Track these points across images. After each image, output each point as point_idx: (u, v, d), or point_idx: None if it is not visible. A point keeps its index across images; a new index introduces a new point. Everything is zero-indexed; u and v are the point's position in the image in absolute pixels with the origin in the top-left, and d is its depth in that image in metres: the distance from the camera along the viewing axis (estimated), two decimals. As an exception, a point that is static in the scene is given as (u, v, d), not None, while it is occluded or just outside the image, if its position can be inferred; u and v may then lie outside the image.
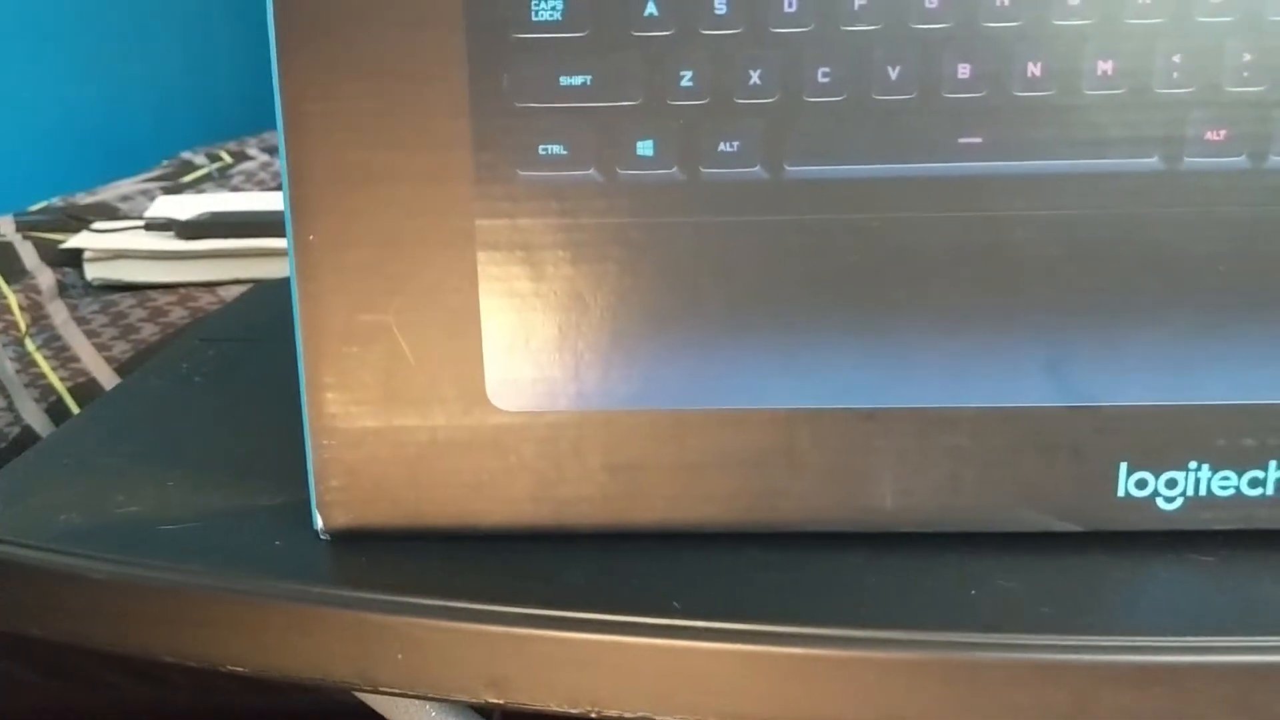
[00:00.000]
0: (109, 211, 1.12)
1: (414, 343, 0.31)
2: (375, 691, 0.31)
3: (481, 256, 0.31)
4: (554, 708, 0.29)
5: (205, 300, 0.85)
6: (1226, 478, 0.32)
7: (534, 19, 0.30)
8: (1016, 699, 0.28)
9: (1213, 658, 0.28)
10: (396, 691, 0.30)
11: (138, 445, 0.41)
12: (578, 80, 0.30)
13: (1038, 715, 0.28)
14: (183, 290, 0.87)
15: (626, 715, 0.29)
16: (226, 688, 0.92)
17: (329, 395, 0.32)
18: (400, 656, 0.30)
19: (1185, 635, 0.28)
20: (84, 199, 1.21)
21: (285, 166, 0.31)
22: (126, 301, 0.86)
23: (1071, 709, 0.28)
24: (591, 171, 0.30)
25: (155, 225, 0.96)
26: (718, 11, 0.29)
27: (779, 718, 0.28)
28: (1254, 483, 0.32)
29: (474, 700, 0.30)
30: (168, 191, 1.20)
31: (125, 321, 0.84)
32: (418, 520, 0.33)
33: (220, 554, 0.33)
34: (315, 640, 0.31)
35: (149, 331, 0.82)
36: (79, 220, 1.06)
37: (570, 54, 0.30)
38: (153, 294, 0.87)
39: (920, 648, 0.28)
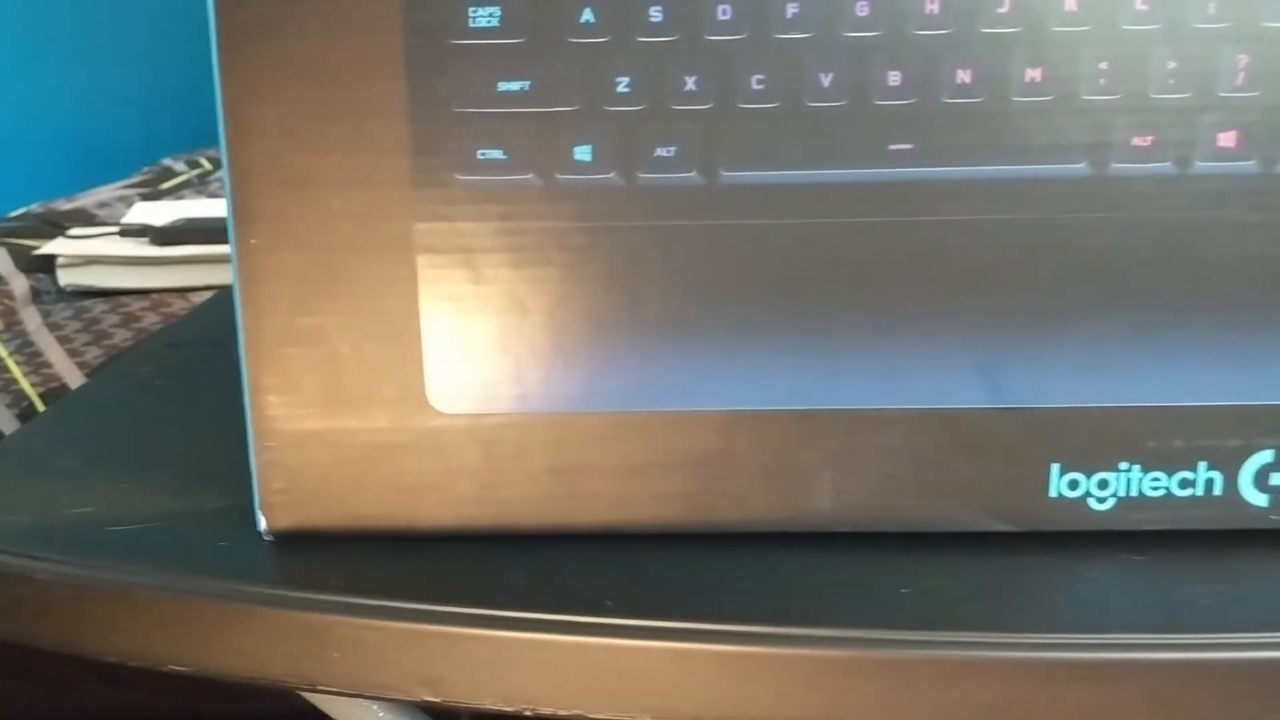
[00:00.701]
0: (86, 218, 1.12)
1: (354, 346, 0.32)
2: (313, 690, 0.31)
3: (421, 260, 0.31)
4: (489, 706, 0.30)
5: (178, 306, 0.85)
6: (1157, 479, 0.32)
7: (471, 26, 0.30)
8: (944, 696, 0.28)
9: (1136, 655, 0.28)
10: (334, 690, 0.31)
11: (94, 448, 0.41)
12: (515, 86, 0.30)
13: (965, 712, 0.28)
14: (155, 296, 0.87)
15: (560, 713, 0.29)
16: (194, 691, 0.92)
17: (271, 398, 0.32)
18: (337, 656, 0.30)
19: (1110, 633, 0.28)
20: (63, 205, 1.21)
21: (227, 171, 0.31)
22: (99, 307, 0.87)
23: (998, 705, 0.28)
24: (530, 176, 0.31)
25: (130, 231, 0.96)
26: (653, 19, 0.30)
27: (711, 715, 0.29)
28: (1184, 483, 0.32)
29: (410, 699, 0.30)
30: (146, 198, 1.20)
31: (98, 327, 0.84)
32: (360, 522, 0.33)
33: (165, 555, 0.33)
34: (254, 639, 0.31)
35: (121, 337, 0.82)
36: (55, 226, 1.06)
37: (508, 60, 0.30)
38: (126, 300, 0.87)
39: (849, 645, 0.28)
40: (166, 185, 1.30)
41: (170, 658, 0.32)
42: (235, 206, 0.31)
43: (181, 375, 0.47)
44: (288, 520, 0.33)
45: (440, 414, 0.32)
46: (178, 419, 0.43)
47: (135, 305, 0.86)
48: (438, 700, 0.30)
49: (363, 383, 0.32)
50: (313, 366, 0.32)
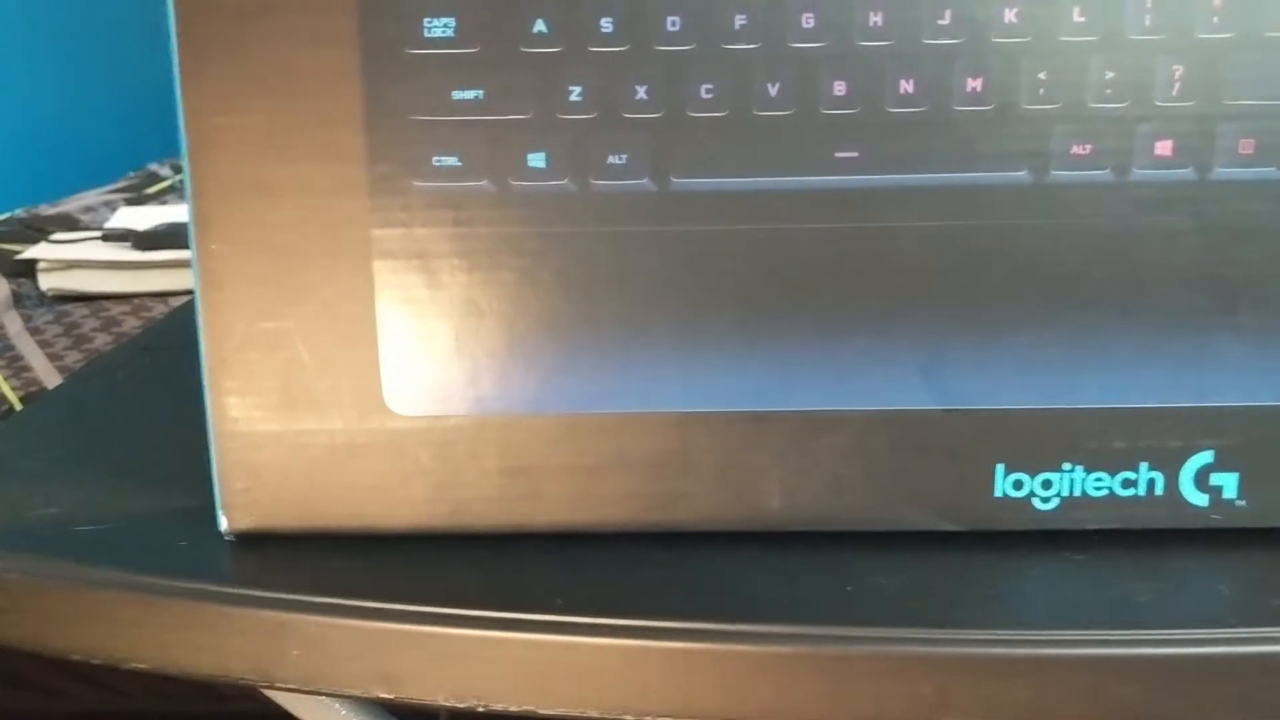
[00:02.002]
0: (70, 223, 1.12)
1: (313, 349, 0.32)
2: (272, 687, 0.32)
3: (378, 265, 0.32)
4: (442, 702, 0.30)
5: (158, 310, 0.85)
6: (1100, 479, 0.33)
7: (427, 36, 0.31)
8: (883, 691, 0.29)
9: (1072, 650, 0.29)
10: (292, 687, 0.31)
11: (62, 450, 0.41)
12: (470, 94, 0.31)
13: (904, 707, 0.29)
14: (136, 300, 0.87)
15: (512, 709, 0.30)
16: (179, 694, 0.92)
17: (231, 400, 0.33)
18: (295, 653, 0.31)
19: (1048, 629, 0.29)
20: (47, 210, 1.21)
21: (188, 179, 0.32)
22: (80, 312, 0.87)
23: (936, 700, 0.29)
24: (485, 182, 0.31)
25: (113, 236, 0.96)
26: (604, 30, 0.31)
27: (657, 711, 0.29)
28: (1127, 483, 0.33)
29: (366, 696, 0.31)
30: (131, 203, 1.20)
31: (78, 331, 0.84)
32: (319, 522, 0.34)
33: (127, 554, 0.34)
34: (214, 638, 0.32)
35: (102, 341, 0.83)
36: (39, 231, 1.06)
37: (462, 69, 0.31)
38: (107, 304, 0.87)
39: (792, 641, 0.29)
40: (151, 190, 1.30)
41: (132, 656, 0.32)
42: (196, 213, 0.32)
43: (152, 379, 0.48)
44: (248, 520, 0.34)
45: (396, 416, 0.33)
46: (146, 421, 0.43)
47: (116, 309, 0.86)
48: (393, 697, 0.31)
49: (321, 385, 0.33)
50: (272, 369, 0.33)
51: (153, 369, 0.49)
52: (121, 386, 0.47)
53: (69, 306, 0.91)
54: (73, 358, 0.82)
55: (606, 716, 0.30)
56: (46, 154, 1.67)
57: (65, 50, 1.72)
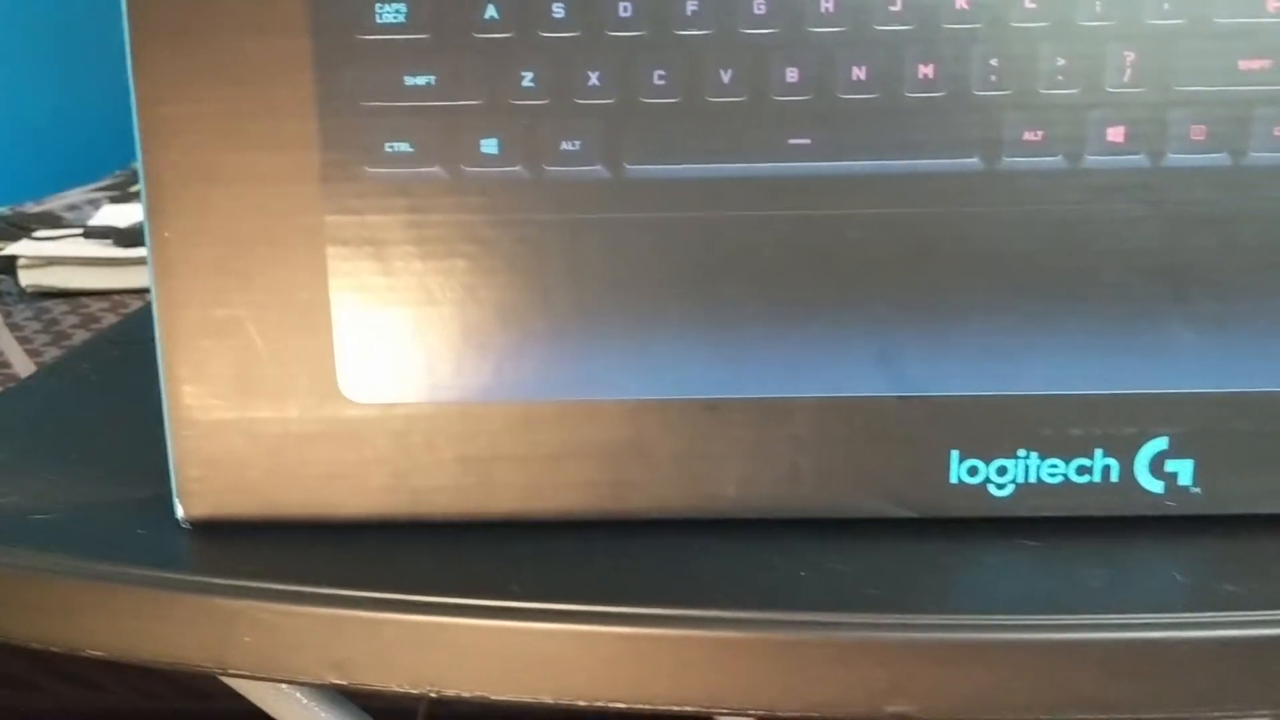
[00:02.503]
0: (53, 220, 1.12)
1: (267, 337, 0.32)
2: (225, 673, 0.32)
3: (331, 252, 0.32)
4: (395, 688, 0.30)
5: (135, 306, 0.85)
6: (1055, 465, 0.33)
7: (378, 21, 0.31)
8: (835, 677, 0.29)
9: (1024, 636, 0.29)
10: (245, 674, 0.31)
11: (25, 441, 0.41)
12: (422, 80, 0.31)
13: (857, 693, 0.29)
14: (116, 297, 0.87)
15: (464, 695, 0.30)
16: (160, 692, 0.92)
17: (186, 388, 0.33)
18: (248, 640, 0.31)
19: (1000, 615, 0.29)
20: (32, 208, 1.21)
21: (141, 167, 0.32)
22: (60, 308, 0.87)
23: (888, 686, 0.29)
24: (437, 169, 0.31)
25: (94, 233, 0.96)
26: (555, 15, 0.31)
27: (610, 696, 0.29)
28: (1081, 470, 0.33)
29: (319, 682, 0.31)
30: (115, 201, 1.20)
31: (57, 328, 0.84)
32: (275, 510, 0.33)
33: (83, 542, 0.33)
34: (168, 625, 0.32)
35: (80, 337, 0.82)
36: (21, 229, 1.06)
37: (414, 55, 0.31)
38: (86, 300, 0.87)
39: (744, 627, 0.29)
40: (135, 188, 1.30)
41: (87, 643, 0.32)
42: (149, 201, 0.32)
43: (118, 371, 0.48)
44: (204, 508, 0.34)
45: (351, 404, 0.33)
46: (109, 413, 0.43)
47: (95, 306, 0.86)
48: (345, 683, 0.31)
49: (276, 373, 0.33)
50: (227, 357, 0.33)
51: (121, 362, 0.49)
52: (89, 379, 0.47)
53: (49, 303, 0.90)
54: (51, 354, 0.82)
55: (560, 702, 0.30)
56: (32, 152, 1.67)
57: (52, 49, 1.71)
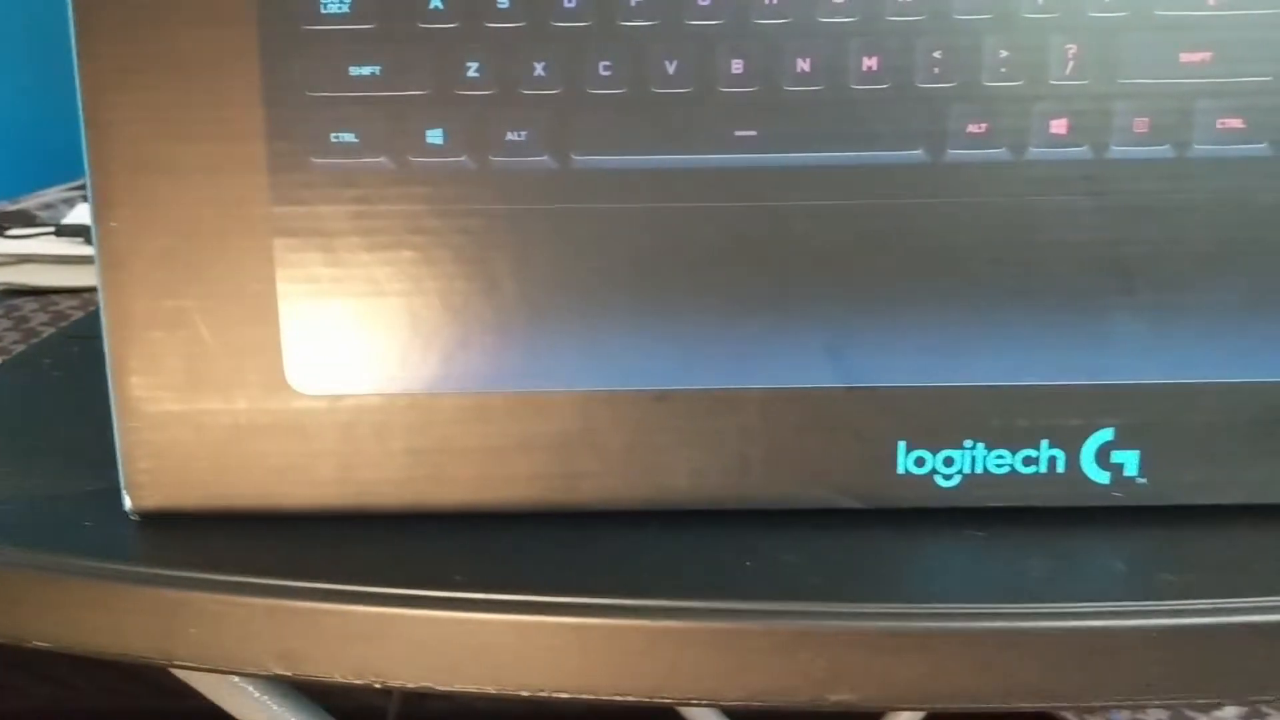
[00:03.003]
0: (28, 219, 1.11)
1: (215, 328, 0.32)
2: (172, 666, 0.32)
3: (278, 243, 0.32)
4: (339, 679, 0.30)
5: (108, 304, 0.85)
6: (1001, 456, 0.33)
7: (323, 12, 0.31)
8: (777, 665, 0.29)
9: (964, 624, 0.29)
10: (191, 665, 0.31)
11: (-20, 434, 0.41)
12: (367, 71, 0.31)
13: (797, 681, 0.29)
14: (86, 295, 0.87)
15: (410, 686, 0.30)
16: (129, 690, 0.92)
17: (134, 379, 0.33)
18: (194, 631, 0.31)
19: (941, 604, 0.29)
20: (6, 207, 1.21)
21: (87, 158, 0.32)
22: (29, 305, 0.86)
23: (828, 674, 0.29)
24: (383, 159, 0.31)
25: (66, 231, 0.96)
26: (501, 6, 0.31)
27: (553, 686, 0.29)
28: (1028, 461, 0.33)
29: (264, 673, 0.31)
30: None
31: (27, 325, 0.84)
32: (224, 501, 0.33)
33: (31, 534, 0.33)
34: (114, 616, 0.32)
35: (50, 334, 0.82)
36: (-6, 227, 1.06)
37: (359, 45, 0.31)
38: (56, 298, 0.87)
39: (684, 616, 0.29)
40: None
41: (33, 634, 0.32)
42: (95, 191, 0.32)
43: (78, 366, 0.48)
44: (152, 500, 0.33)
45: (299, 395, 0.33)
46: (66, 406, 0.43)
47: (65, 304, 0.85)
48: (290, 674, 0.31)
49: (224, 364, 0.33)
50: (175, 348, 0.33)
51: (79, 357, 0.49)
52: (46, 374, 0.47)
53: (19, 300, 0.90)
54: (20, 350, 0.82)
55: (503, 691, 0.30)
56: (8, 152, 1.66)
57: (26, 49, 1.71)
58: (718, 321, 0.32)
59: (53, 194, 1.30)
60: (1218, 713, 0.77)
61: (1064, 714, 0.77)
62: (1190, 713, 0.77)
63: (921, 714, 0.60)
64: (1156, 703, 0.29)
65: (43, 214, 1.17)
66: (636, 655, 0.29)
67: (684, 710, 0.60)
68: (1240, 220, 0.31)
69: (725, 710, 0.62)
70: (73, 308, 0.88)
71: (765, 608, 0.29)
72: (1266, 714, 0.76)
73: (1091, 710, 0.75)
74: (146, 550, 0.33)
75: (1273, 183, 0.31)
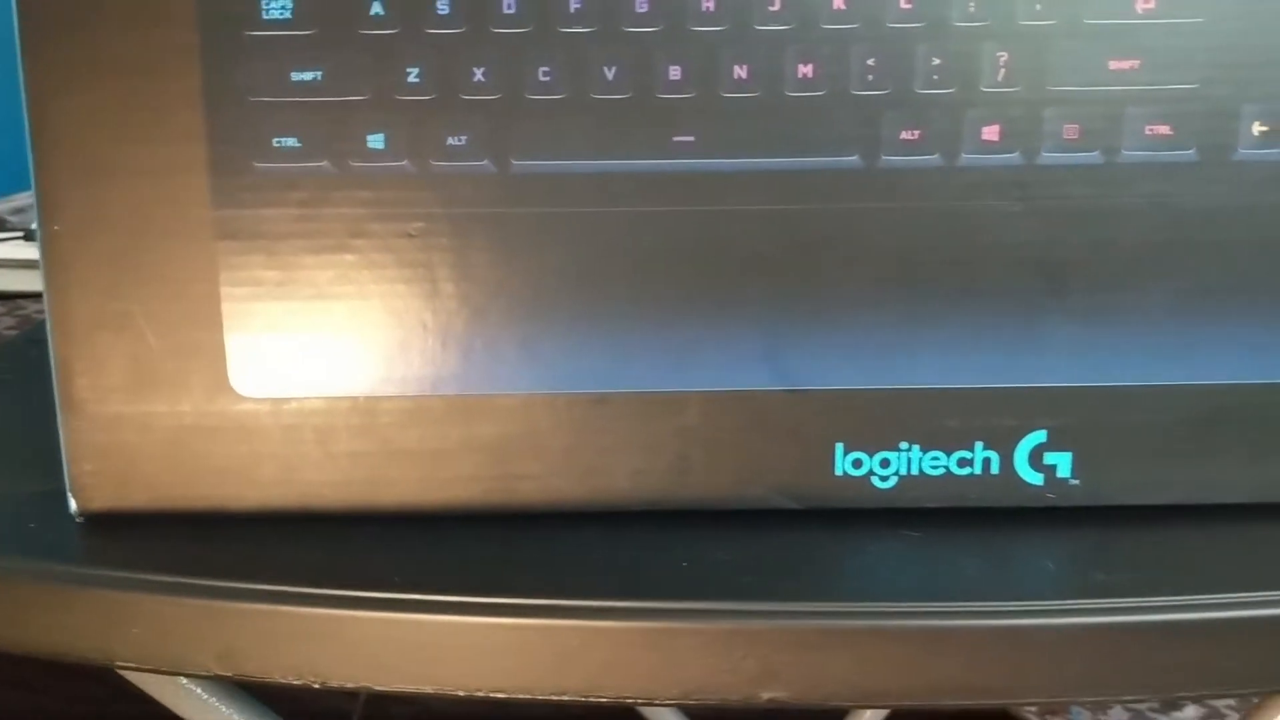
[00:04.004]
0: (-1, 223, 1.11)
1: (158, 330, 0.33)
2: (114, 667, 0.32)
3: (221, 246, 0.32)
4: (278, 679, 0.30)
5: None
6: (936, 458, 0.33)
7: (265, 17, 0.31)
8: (710, 664, 0.29)
9: (893, 622, 0.29)
10: (133, 666, 0.31)
11: (-67, 438, 0.41)
12: (308, 76, 0.31)
13: (728, 679, 0.29)
14: (54, 298, 0.87)
15: (348, 686, 0.30)
16: (97, 695, 0.92)
17: (79, 381, 0.33)
18: (135, 631, 0.31)
19: (871, 602, 0.30)
20: (-22, 210, 1.21)
21: (31, 160, 0.32)
22: (-3, 309, 0.86)
23: (759, 672, 0.29)
24: (325, 163, 0.32)
25: (35, 236, 0.96)
26: (440, 11, 0.31)
27: (489, 686, 0.30)
28: (962, 462, 0.33)
29: (204, 673, 0.31)
30: (62, 203, 1.20)
31: (-7, 329, 0.84)
32: (169, 503, 0.34)
33: (-26, 536, 0.34)
34: (57, 618, 0.32)
35: (11, 338, 0.82)
36: (-35, 231, 1.05)
37: (300, 51, 0.31)
38: (24, 302, 0.87)
39: (618, 616, 0.29)
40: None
41: (-23, 636, 0.32)
42: (40, 194, 0.32)
43: (35, 369, 0.48)
44: (97, 501, 0.34)
45: (243, 398, 0.33)
46: (19, 409, 0.43)
47: (32, 308, 0.85)
48: (231, 674, 0.31)
49: (168, 367, 0.33)
50: (119, 350, 0.33)
51: (36, 361, 0.49)
52: (3, 377, 0.47)
53: (-14, 304, 0.90)
54: (-15, 355, 0.82)
55: (441, 690, 0.30)
56: (-17, 155, 1.65)
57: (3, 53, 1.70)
58: (657, 324, 0.33)
59: (23, 199, 1.29)
60: (1177, 713, 0.78)
61: (1026, 710, 0.77)
62: (1151, 713, 0.78)
63: (885, 711, 0.60)
64: (1091, 700, 0.29)
65: (14, 219, 1.17)
66: (571, 654, 0.29)
67: (645, 710, 0.60)
68: (1169, 224, 0.32)
69: (685, 710, 0.63)
70: (38, 312, 0.88)
71: (698, 607, 0.29)
72: (1225, 715, 0.77)
73: (1051, 708, 0.76)
74: (90, 551, 0.33)
75: (1201, 187, 0.32)
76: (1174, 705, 0.79)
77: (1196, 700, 0.76)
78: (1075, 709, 0.78)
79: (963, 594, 0.30)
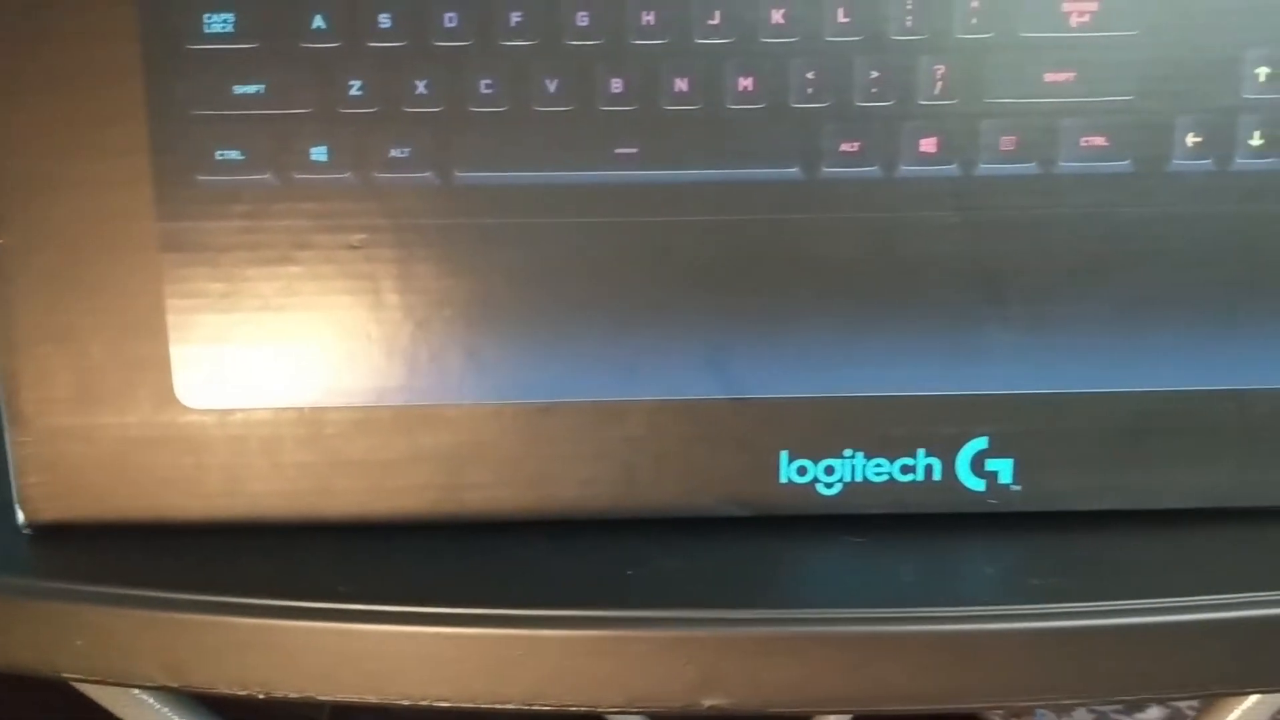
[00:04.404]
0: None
1: (104, 343, 0.33)
2: (58, 677, 0.32)
3: (165, 259, 0.32)
4: (224, 690, 0.31)
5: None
6: (880, 465, 0.34)
7: (206, 31, 0.31)
8: (652, 671, 0.30)
9: (833, 629, 0.30)
10: (79, 678, 0.32)
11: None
12: (251, 89, 0.31)
13: (673, 686, 0.30)
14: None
15: (292, 696, 0.30)
16: (54, 704, 0.91)
17: (24, 394, 0.33)
18: (80, 643, 0.31)
19: (812, 608, 0.30)
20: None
21: (-25, 172, 0.32)
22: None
23: (702, 679, 0.29)
24: (268, 176, 0.32)
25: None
26: (382, 25, 0.31)
27: (434, 695, 0.30)
28: (905, 469, 0.34)
29: (150, 684, 0.31)
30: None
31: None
32: (116, 515, 0.34)
33: (-80, 549, 0.34)
34: (3, 628, 0.32)
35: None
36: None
37: (243, 64, 0.31)
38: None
39: (559, 624, 0.30)
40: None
41: (-80, 649, 0.32)
42: (-16, 206, 0.32)
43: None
44: (45, 513, 0.34)
45: (189, 410, 0.33)
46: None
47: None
48: (177, 685, 0.31)
49: (114, 379, 0.33)
50: (66, 363, 0.33)
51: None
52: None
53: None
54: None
55: (385, 700, 0.30)
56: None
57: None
58: (602, 334, 0.33)
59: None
60: (1140, 715, 0.78)
61: (991, 715, 0.78)
62: (1115, 714, 0.79)
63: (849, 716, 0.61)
64: (1041, 703, 0.30)
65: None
66: (515, 663, 0.30)
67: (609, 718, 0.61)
68: (1105, 234, 0.32)
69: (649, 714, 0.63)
70: None
71: (640, 615, 0.30)
72: (1188, 715, 0.77)
73: (1015, 711, 0.76)
74: (37, 563, 0.33)
75: (1136, 198, 0.32)
76: (1137, 707, 0.80)
77: (1160, 702, 0.77)
78: (1040, 710, 0.78)
79: (903, 600, 0.30)
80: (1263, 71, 0.32)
